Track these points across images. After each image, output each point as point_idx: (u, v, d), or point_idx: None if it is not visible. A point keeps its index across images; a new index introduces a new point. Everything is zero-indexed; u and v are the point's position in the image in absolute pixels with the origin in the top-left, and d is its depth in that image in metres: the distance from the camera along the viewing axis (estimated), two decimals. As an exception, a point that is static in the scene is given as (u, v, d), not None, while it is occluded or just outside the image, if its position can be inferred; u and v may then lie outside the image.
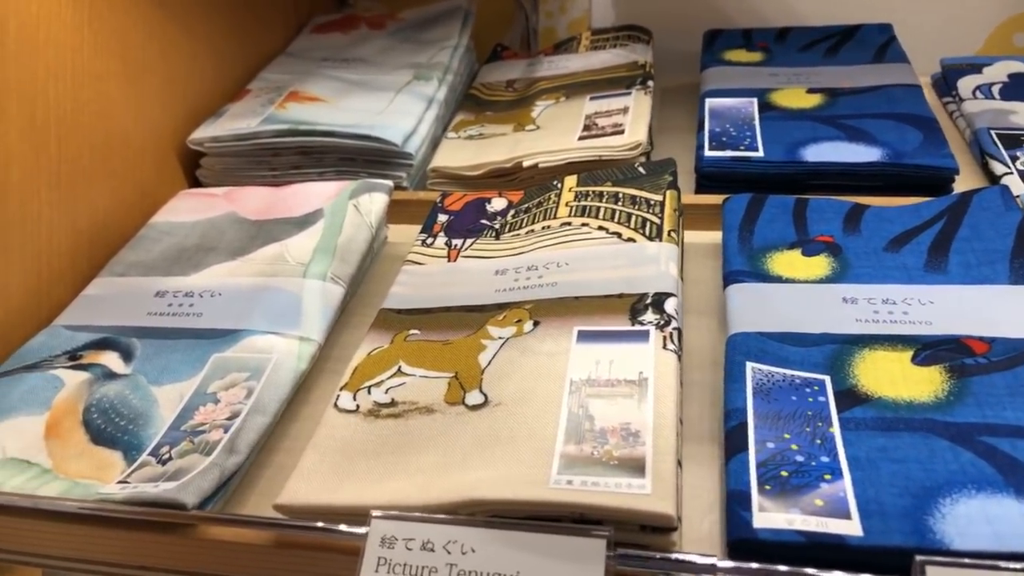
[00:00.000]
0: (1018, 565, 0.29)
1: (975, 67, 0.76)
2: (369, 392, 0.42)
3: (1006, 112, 0.68)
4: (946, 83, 0.75)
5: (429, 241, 0.54)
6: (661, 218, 0.50)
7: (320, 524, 0.36)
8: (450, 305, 0.48)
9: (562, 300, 0.45)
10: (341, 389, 0.43)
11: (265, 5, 0.81)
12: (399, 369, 0.43)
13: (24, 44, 0.51)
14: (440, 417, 0.40)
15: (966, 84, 0.73)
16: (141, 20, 0.62)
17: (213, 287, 0.52)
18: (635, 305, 0.43)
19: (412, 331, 0.46)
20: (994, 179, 0.61)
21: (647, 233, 0.49)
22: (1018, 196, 0.54)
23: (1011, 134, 0.65)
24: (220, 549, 0.37)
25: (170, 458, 0.40)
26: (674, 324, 0.42)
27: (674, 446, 0.36)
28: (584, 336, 0.42)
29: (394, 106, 0.69)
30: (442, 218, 0.57)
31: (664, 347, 0.41)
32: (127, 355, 0.48)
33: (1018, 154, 0.62)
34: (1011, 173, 0.60)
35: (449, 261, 0.52)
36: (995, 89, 0.72)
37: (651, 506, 0.33)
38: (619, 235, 0.49)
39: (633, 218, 0.50)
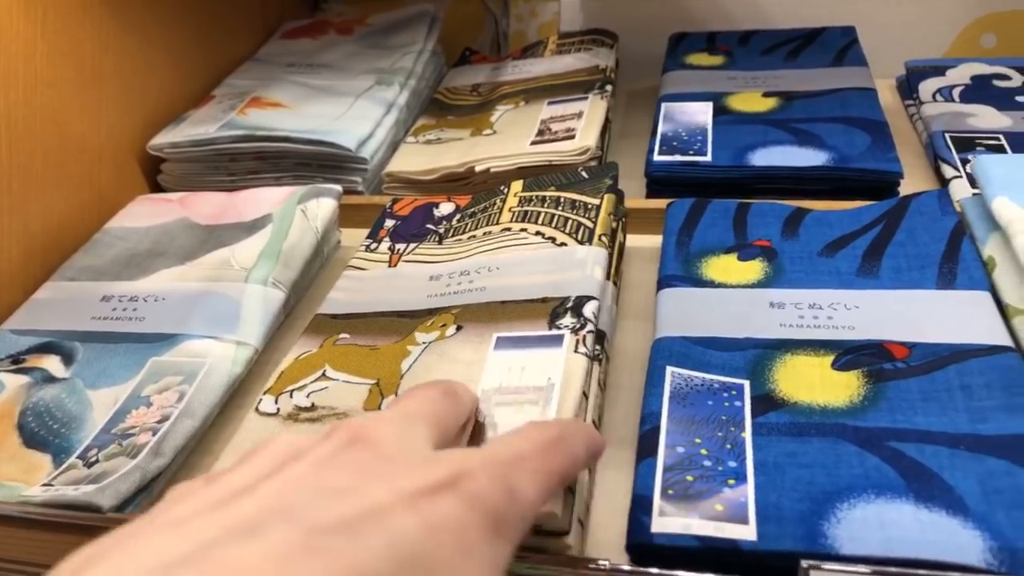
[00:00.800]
0: (901, 570, 0.30)
1: (939, 69, 0.76)
2: (291, 396, 0.43)
3: (964, 115, 0.68)
4: (909, 86, 0.75)
5: (373, 247, 0.55)
6: (595, 222, 0.50)
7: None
8: (382, 310, 0.48)
9: (488, 305, 0.45)
10: (264, 393, 0.43)
11: (232, 12, 0.82)
12: (323, 373, 0.44)
13: (-29, 53, 0.52)
14: None
15: (927, 87, 0.73)
16: (95, 31, 0.63)
17: (158, 292, 0.53)
18: (555, 309, 0.44)
19: (342, 335, 0.47)
20: (945, 183, 0.61)
21: (579, 237, 0.49)
22: (959, 201, 0.54)
23: (966, 137, 0.65)
24: (139, 551, 0.38)
25: (97, 461, 0.41)
26: (589, 327, 0.42)
27: None
28: (502, 342, 0.43)
29: (352, 111, 0.69)
30: (389, 223, 0.57)
31: (575, 350, 0.41)
32: (68, 359, 0.48)
33: (970, 157, 0.61)
34: (960, 177, 0.60)
35: (390, 266, 0.53)
36: (956, 92, 0.72)
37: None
38: (553, 240, 0.50)
39: (569, 222, 0.51)
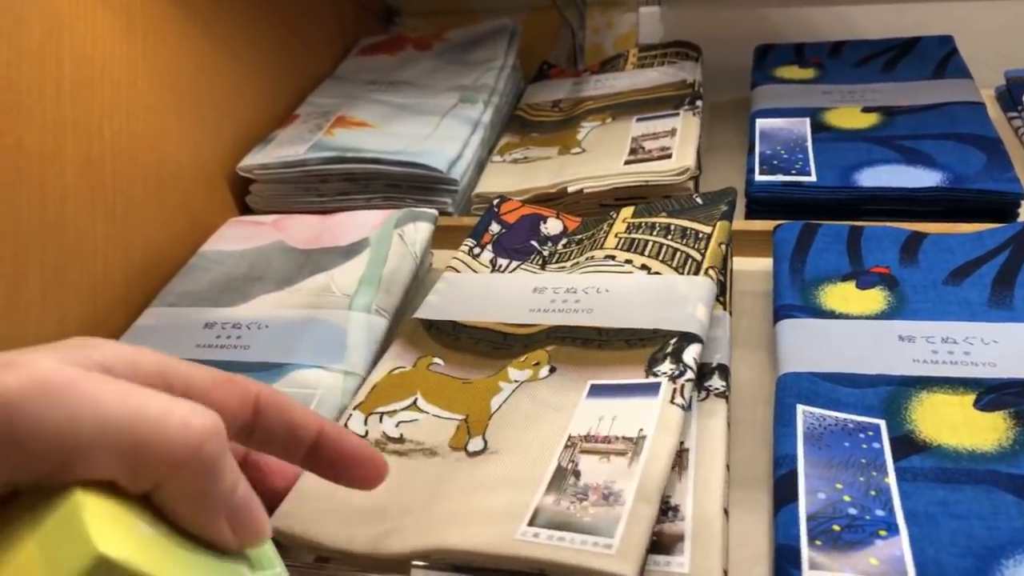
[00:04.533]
0: (1089, 639, 0.28)
1: (1042, 79, 0.73)
2: (381, 420, 0.42)
3: (1076, 128, 0.65)
4: (1011, 97, 0.73)
5: (476, 251, 0.54)
6: (703, 254, 0.48)
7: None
8: (480, 321, 0.48)
9: (584, 346, 0.44)
10: (354, 408, 0.43)
11: (311, 28, 0.82)
12: (415, 402, 0.43)
13: (80, 82, 0.52)
14: (440, 461, 0.40)
15: (1033, 98, 0.70)
16: (191, 51, 0.63)
17: (260, 319, 0.52)
18: (654, 355, 0.42)
19: (435, 360, 0.46)
20: (1062, 201, 0.58)
21: (685, 270, 0.48)
22: (1089, 223, 0.51)
23: (1081, 153, 0.62)
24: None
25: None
26: (688, 375, 0.40)
27: (655, 510, 0.34)
28: (596, 390, 0.41)
29: (440, 131, 0.69)
30: (494, 228, 0.56)
31: (672, 401, 0.39)
32: (177, 388, 0.48)
33: (1088, 174, 0.59)
34: (1082, 196, 0.57)
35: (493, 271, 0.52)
36: (1064, 103, 0.69)
37: (609, 566, 0.31)
38: (659, 274, 0.48)
39: (677, 254, 0.49)
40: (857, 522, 0.34)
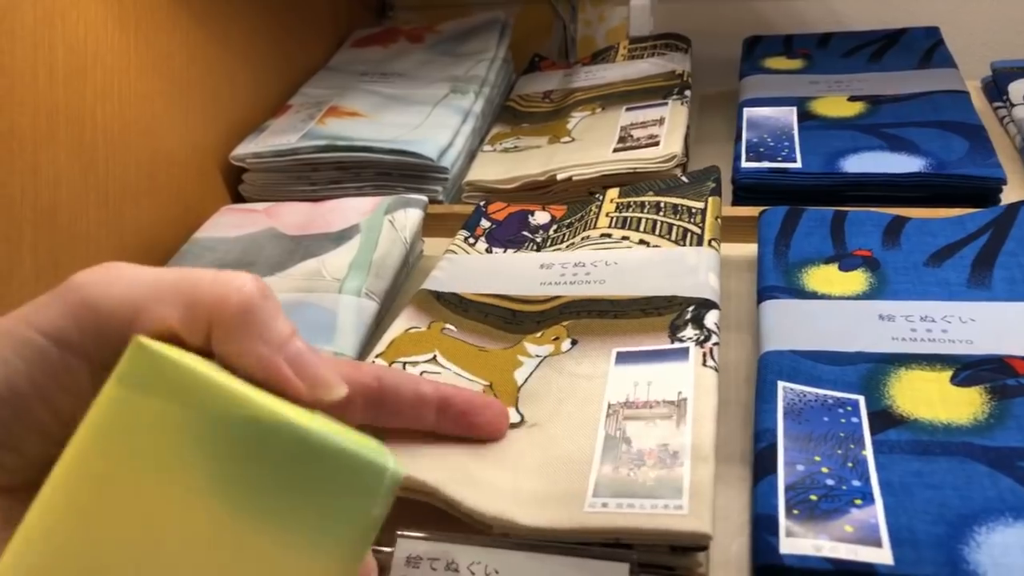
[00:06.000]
0: (1055, 599, 0.29)
1: (1028, 70, 0.74)
2: (404, 368, 0.43)
3: (1059, 117, 0.66)
4: (996, 87, 0.73)
5: (471, 241, 0.55)
6: (702, 227, 0.49)
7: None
8: (489, 296, 0.48)
9: (601, 317, 0.45)
10: (376, 356, 0.43)
11: (304, 20, 0.83)
12: (434, 358, 0.44)
13: (72, 68, 0.53)
14: None
15: (1017, 88, 0.71)
16: (184, 41, 0.64)
17: (252, 302, 0.53)
18: (674, 321, 0.43)
19: (448, 325, 0.46)
20: (1045, 188, 0.59)
21: (687, 242, 0.48)
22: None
23: (1064, 141, 0.63)
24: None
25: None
26: (714, 339, 0.41)
27: (712, 465, 0.36)
28: (623, 357, 0.42)
29: (431, 120, 0.69)
30: (485, 223, 0.57)
31: (704, 364, 0.40)
32: (169, 369, 0.49)
33: (1070, 162, 0.60)
34: (1063, 182, 0.58)
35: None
36: (1048, 93, 0.70)
37: (687, 526, 0.32)
38: (659, 248, 0.49)
39: (674, 228, 0.50)
40: (834, 492, 0.35)
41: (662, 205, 0.52)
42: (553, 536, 0.34)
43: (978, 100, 0.76)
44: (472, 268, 0.51)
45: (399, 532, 0.35)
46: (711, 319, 0.42)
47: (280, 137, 0.68)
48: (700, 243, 0.48)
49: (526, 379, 0.43)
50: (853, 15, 0.86)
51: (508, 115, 0.77)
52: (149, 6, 0.60)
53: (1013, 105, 0.69)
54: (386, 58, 0.84)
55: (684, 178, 0.55)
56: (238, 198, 0.70)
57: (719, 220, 0.50)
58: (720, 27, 0.88)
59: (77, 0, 0.53)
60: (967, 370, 0.41)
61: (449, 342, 0.45)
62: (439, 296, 0.49)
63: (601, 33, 0.93)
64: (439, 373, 0.43)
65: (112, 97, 0.56)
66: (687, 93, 0.70)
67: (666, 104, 0.68)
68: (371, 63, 0.83)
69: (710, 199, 0.51)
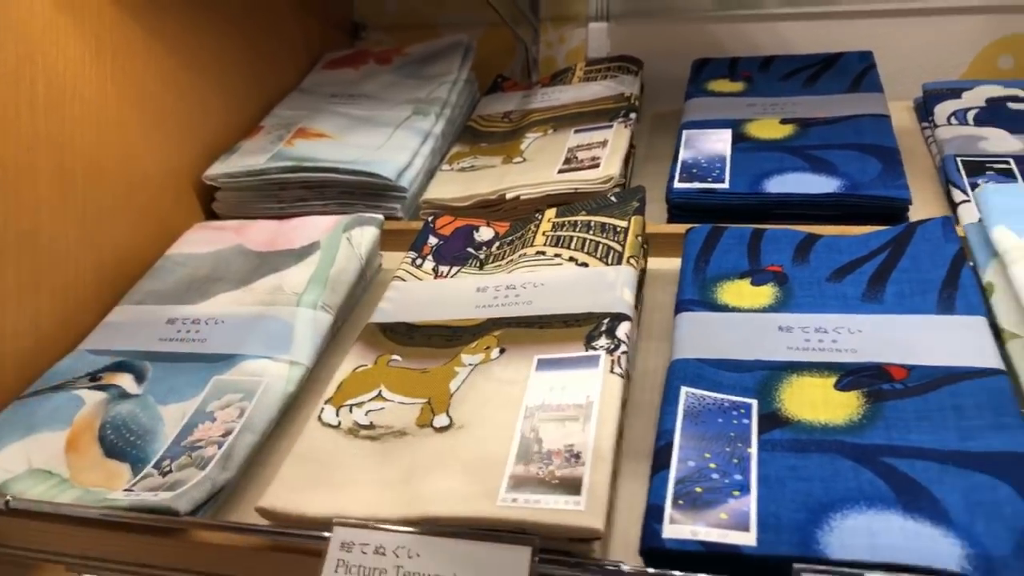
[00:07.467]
0: (884, 575, 0.33)
1: (955, 92, 0.78)
2: (351, 411, 0.47)
3: (976, 138, 0.70)
4: (926, 108, 0.78)
5: (418, 262, 0.60)
6: (623, 245, 0.54)
7: (293, 530, 0.41)
8: (432, 320, 0.53)
9: (528, 329, 0.50)
10: (326, 403, 0.48)
11: (278, 43, 0.87)
12: (379, 393, 0.49)
13: (52, 101, 0.57)
14: (410, 439, 0.45)
15: (943, 109, 0.76)
16: (158, 71, 0.68)
17: (218, 315, 0.58)
18: (591, 332, 0.48)
19: (394, 356, 0.51)
20: (955, 207, 0.63)
21: (608, 260, 0.53)
22: (964, 226, 0.56)
23: (977, 161, 0.68)
24: (209, 551, 0.43)
25: (170, 470, 0.46)
26: (623, 348, 0.46)
27: (610, 465, 0.41)
28: (543, 364, 0.47)
29: (392, 142, 0.74)
30: (432, 240, 0.62)
31: (611, 371, 0.45)
32: (140, 377, 0.54)
33: (979, 182, 0.64)
34: (968, 201, 0.62)
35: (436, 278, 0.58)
36: (970, 115, 0.75)
37: (582, 521, 0.37)
38: (585, 265, 0.54)
39: (600, 246, 0.55)
40: (717, 485, 0.40)
41: (592, 224, 0.57)
42: (467, 525, 0.39)
43: (909, 120, 0.81)
44: (416, 298, 0.56)
45: (335, 520, 0.40)
46: (622, 330, 0.47)
47: (250, 158, 0.73)
48: (620, 261, 0.53)
49: (458, 387, 0.48)
50: (798, 38, 0.91)
51: (468, 135, 0.81)
52: (125, 38, 0.65)
53: (936, 125, 0.74)
54: (355, 80, 0.88)
55: (612, 197, 0.60)
56: (212, 215, 0.75)
57: (639, 238, 0.55)
58: (675, 47, 0.92)
59: (56, 38, 0.58)
60: (849, 376, 0.45)
61: (395, 372, 0.50)
62: (386, 328, 0.54)
63: (562, 54, 0.98)
64: (383, 408, 0.48)
65: (90, 125, 0.61)
66: (632, 116, 0.75)
67: (611, 127, 0.73)
68: (341, 84, 0.87)
69: (633, 218, 0.56)
